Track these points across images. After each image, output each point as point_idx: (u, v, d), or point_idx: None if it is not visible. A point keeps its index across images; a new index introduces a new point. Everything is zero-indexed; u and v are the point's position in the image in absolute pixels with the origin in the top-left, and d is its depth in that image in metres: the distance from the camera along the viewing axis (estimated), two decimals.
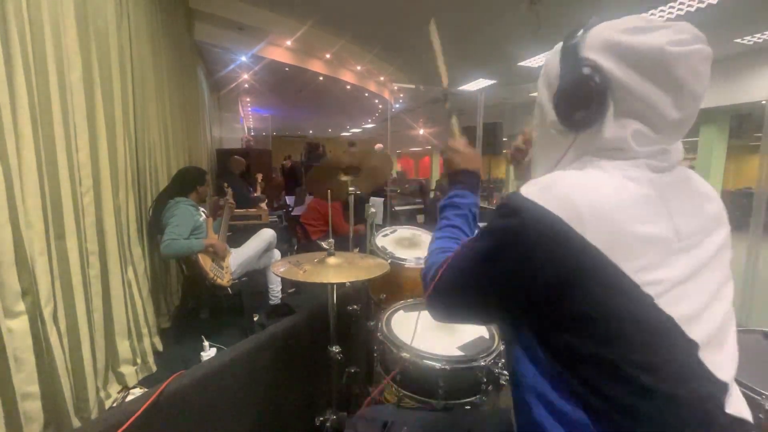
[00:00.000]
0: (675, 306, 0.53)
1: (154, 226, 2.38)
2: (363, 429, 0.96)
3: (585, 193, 0.54)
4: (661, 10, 4.31)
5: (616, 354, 0.51)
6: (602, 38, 0.58)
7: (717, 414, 0.53)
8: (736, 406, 0.55)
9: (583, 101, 0.59)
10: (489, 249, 0.59)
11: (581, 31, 0.61)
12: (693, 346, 0.53)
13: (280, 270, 1.28)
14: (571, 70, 0.61)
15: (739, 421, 0.55)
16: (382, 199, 4.47)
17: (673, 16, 4.39)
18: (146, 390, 1.39)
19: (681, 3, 4.17)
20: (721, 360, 0.56)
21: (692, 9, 4.26)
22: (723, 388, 0.54)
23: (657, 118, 0.57)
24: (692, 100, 0.57)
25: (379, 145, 7.43)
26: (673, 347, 0.52)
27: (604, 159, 0.60)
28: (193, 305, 2.81)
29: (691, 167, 0.68)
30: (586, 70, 0.58)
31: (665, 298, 0.53)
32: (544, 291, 0.53)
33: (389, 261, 1.56)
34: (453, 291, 0.66)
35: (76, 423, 1.45)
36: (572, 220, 0.52)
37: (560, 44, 0.65)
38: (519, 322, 0.60)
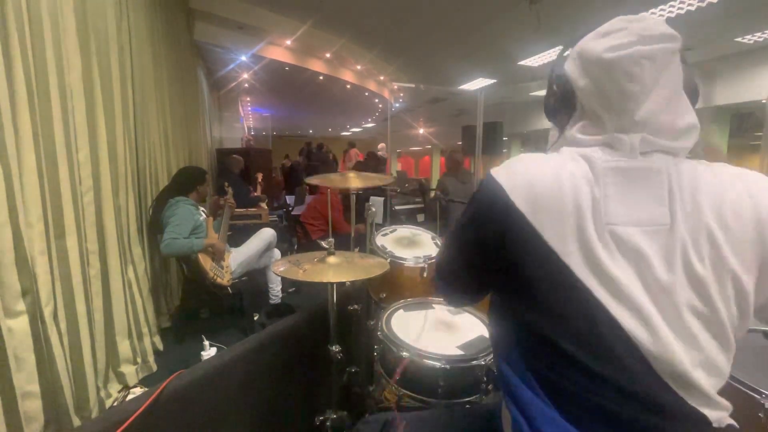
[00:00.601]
0: (594, 278, 0.57)
1: (154, 226, 2.38)
2: (364, 429, 0.96)
3: (525, 168, 0.63)
4: (662, 9, 4.31)
5: (543, 318, 0.59)
6: (579, 45, 0.66)
7: (661, 401, 0.55)
8: (697, 398, 0.56)
9: (558, 106, 0.71)
10: (463, 218, 0.70)
11: (584, 38, 0.67)
12: (615, 324, 0.56)
13: (280, 269, 1.28)
14: (557, 77, 0.71)
15: (691, 414, 0.56)
16: (383, 198, 4.47)
17: (673, 15, 4.39)
18: (146, 389, 1.39)
19: (681, 2, 4.16)
20: (675, 349, 0.55)
21: (692, 8, 4.25)
22: (668, 373, 0.55)
23: (608, 114, 0.63)
24: (631, 99, 0.61)
25: (381, 145, 7.43)
26: (593, 319, 0.57)
27: (566, 146, 0.68)
28: (194, 305, 2.81)
29: None
30: (556, 78, 0.70)
31: (583, 268, 0.57)
32: (493, 248, 0.63)
33: (389, 260, 1.56)
34: (446, 265, 0.77)
35: (76, 422, 1.46)
36: (508, 188, 0.61)
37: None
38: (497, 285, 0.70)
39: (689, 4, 4.20)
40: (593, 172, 0.61)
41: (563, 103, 0.69)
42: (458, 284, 0.77)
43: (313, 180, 1.66)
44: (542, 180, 0.61)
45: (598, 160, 0.61)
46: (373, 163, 5.73)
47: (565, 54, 0.71)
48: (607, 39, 0.62)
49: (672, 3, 4.18)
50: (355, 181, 1.59)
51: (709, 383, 0.57)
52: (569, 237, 0.58)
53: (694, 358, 0.56)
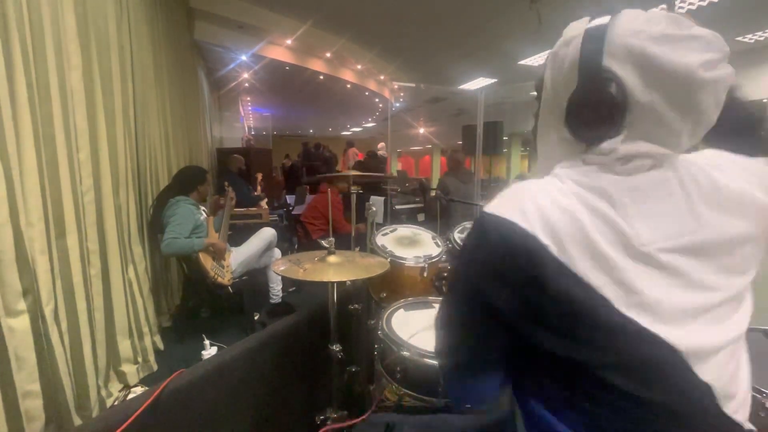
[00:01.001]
0: (635, 308, 0.51)
1: (154, 225, 2.39)
2: (367, 430, 0.96)
3: (531, 196, 0.55)
4: (662, 9, 4.30)
5: (587, 355, 0.51)
6: (627, 45, 0.52)
7: (713, 416, 0.52)
8: (739, 410, 0.54)
9: (599, 117, 0.55)
10: (466, 285, 0.59)
11: (605, 26, 0.54)
12: (665, 345, 0.51)
13: (281, 269, 1.28)
14: (589, 80, 0.55)
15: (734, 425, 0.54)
16: (383, 197, 4.47)
17: None
18: (147, 388, 1.40)
19: (682, 1, 4.16)
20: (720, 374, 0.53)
21: (693, 7, 4.25)
22: (710, 391, 0.52)
23: (668, 140, 0.54)
24: (706, 128, 0.54)
25: (381, 144, 7.43)
26: (641, 347, 0.51)
27: (588, 164, 0.58)
28: (194, 304, 2.81)
29: None
30: (608, 86, 0.53)
31: (621, 298, 0.51)
32: (523, 303, 0.53)
33: (389, 260, 1.56)
34: (458, 357, 0.63)
35: (77, 421, 1.46)
36: (523, 222, 0.52)
37: (579, 37, 0.56)
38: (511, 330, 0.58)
39: (690, 3, 4.20)
40: (608, 192, 0.54)
41: (604, 114, 0.54)
42: (480, 374, 0.62)
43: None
44: (555, 208, 0.53)
45: (610, 180, 0.55)
46: (373, 163, 5.73)
47: (593, 46, 0.55)
48: (685, 50, 0.50)
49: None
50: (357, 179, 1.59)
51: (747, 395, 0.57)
52: (599, 268, 0.51)
53: (739, 376, 0.56)
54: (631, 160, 0.55)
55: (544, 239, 0.51)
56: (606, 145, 0.56)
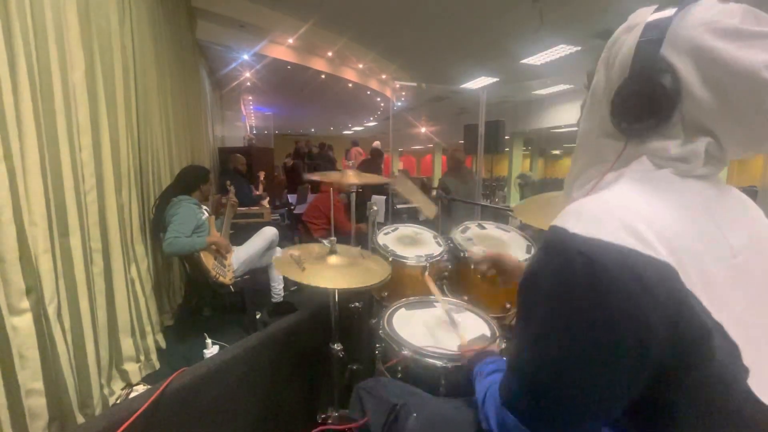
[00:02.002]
0: (743, 336, 0.45)
1: (157, 224, 2.39)
2: (370, 405, 0.94)
3: (652, 211, 0.46)
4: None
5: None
6: (691, 38, 0.48)
7: None
8: None
9: (646, 109, 0.50)
10: (580, 334, 0.46)
11: (673, 16, 0.50)
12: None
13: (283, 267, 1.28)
14: (643, 68, 0.51)
15: None
16: (384, 197, 4.47)
17: None
18: (149, 387, 1.40)
19: None
20: None
21: None
22: None
23: (725, 142, 0.51)
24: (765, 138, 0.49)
25: (376, 143, 7.44)
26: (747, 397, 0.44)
27: (659, 168, 0.52)
28: (196, 303, 2.83)
29: None
30: (661, 76, 0.49)
31: (734, 327, 0.44)
32: (658, 352, 0.43)
33: (391, 259, 1.57)
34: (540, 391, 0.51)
35: (80, 419, 1.47)
36: (649, 246, 0.43)
37: (641, 24, 0.52)
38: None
39: None
40: (709, 202, 0.50)
41: (653, 106, 0.50)
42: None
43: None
44: (679, 225, 0.46)
45: (700, 187, 0.51)
46: (379, 160, 5.69)
47: (651, 36, 0.50)
48: (754, 48, 0.45)
49: None
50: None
51: None
52: (719, 296, 0.45)
53: None
54: (706, 163, 0.51)
55: (674, 263, 0.43)
56: (661, 144, 0.51)
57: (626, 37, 0.54)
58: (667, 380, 0.44)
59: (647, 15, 0.52)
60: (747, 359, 0.45)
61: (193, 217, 2.34)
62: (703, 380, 0.44)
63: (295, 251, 1.35)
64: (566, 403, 0.49)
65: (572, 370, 0.47)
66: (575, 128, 0.64)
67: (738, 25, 0.46)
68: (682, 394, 0.44)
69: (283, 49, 6.02)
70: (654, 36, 0.50)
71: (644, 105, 0.50)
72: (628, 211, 0.46)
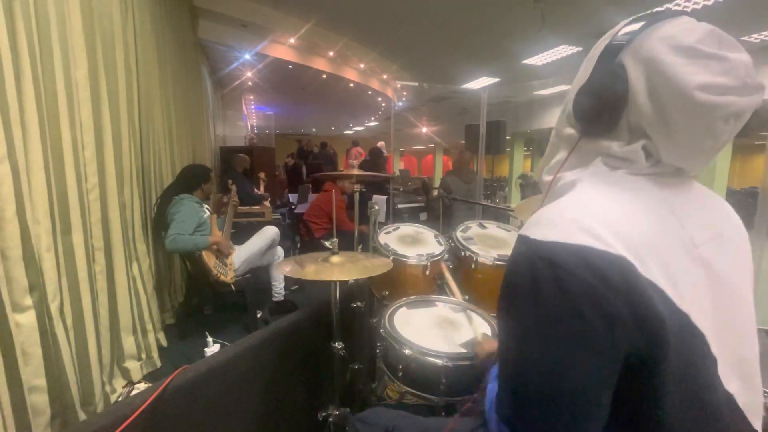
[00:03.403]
0: (707, 325, 0.48)
1: (158, 223, 2.40)
2: (363, 430, 0.96)
3: (588, 212, 0.49)
4: (667, 7, 4.28)
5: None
6: (650, 48, 0.51)
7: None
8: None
9: (598, 110, 0.54)
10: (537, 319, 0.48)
11: (641, 27, 0.53)
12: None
13: (286, 270, 1.28)
14: (602, 70, 0.55)
15: None
16: (385, 196, 4.47)
17: None
18: (150, 385, 1.41)
19: (687, 1, 4.14)
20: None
21: (698, 6, 4.22)
22: None
23: (667, 151, 0.53)
24: (702, 152, 0.51)
25: (381, 143, 7.44)
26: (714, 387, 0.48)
27: (614, 170, 0.55)
28: (197, 301, 2.83)
29: None
30: (613, 80, 0.53)
31: (699, 317, 0.47)
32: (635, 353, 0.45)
33: (392, 258, 1.57)
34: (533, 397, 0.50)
35: (82, 416, 1.47)
36: (599, 243, 0.46)
37: (614, 31, 0.56)
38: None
39: (695, 3, 4.18)
40: (670, 200, 0.53)
41: (604, 107, 0.54)
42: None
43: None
44: (634, 220, 0.49)
45: (659, 184, 0.54)
46: (380, 161, 5.70)
47: (617, 42, 0.54)
48: (698, 67, 0.47)
49: (677, 2, 4.16)
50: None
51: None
52: (684, 286, 0.48)
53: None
54: (653, 162, 0.54)
55: (629, 257, 0.45)
56: (607, 143, 0.55)
57: (601, 42, 0.57)
58: (642, 368, 0.45)
59: (631, 24, 0.55)
60: (714, 348, 0.48)
61: (195, 216, 2.35)
62: (675, 371, 0.45)
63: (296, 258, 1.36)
64: (553, 408, 0.48)
65: (550, 366, 0.47)
66: None
67: (693, 44, 0.48)
68: (659, 382, 0.45)
69: (284, 49, 6.03)
70: (621, 42, 0.53)
71: (597, 106, 0.54)
72: (582, 212, 0.49)
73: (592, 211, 0.49)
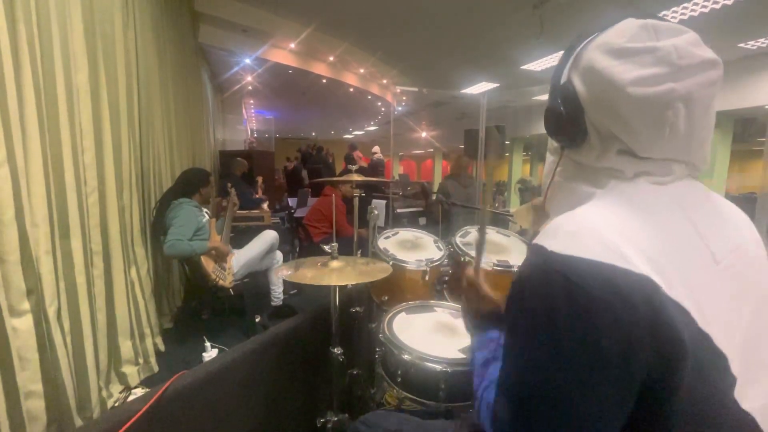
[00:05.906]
0: (731, 346, 0.46)
1: (157, 227, 2.39)
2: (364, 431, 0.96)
3: (624, 231, 0.46)
4: (664, 15, 4.31)
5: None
6: (588, 59, 0.53)
7: None
8: None
9: (559, 123, 0.56)
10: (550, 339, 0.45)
11: (585, 42, 0.55)
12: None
13: (286, 273, 1.28)
14: (554, 87, 0.57)
15: None
16: (385, 201, 4.48)
17: (676, 21, 4.38)
18: (148, 390, 1.39)
19: (684, 8, 4.17)
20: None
21: (695, 14, 4.25)
22: None
23: (637, 149, 0.52)
24: (673, 143, 0.50)
25: (376, 147, 7.45)
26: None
27: (630, 181, 0.53)
28: (196, 306, 2.82)
29: None
30: (562, 94, 0.55)
31: (722, 336, 0.45)
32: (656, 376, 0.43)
33: (391, 263, 1.57)
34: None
35: (78, 422, 1.46)
36: (622, 262, 0.43)
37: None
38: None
39: (692, 10, 4.21)
40: (690, 215, 0.50)
41: (567, 124, 0.55)
42: None
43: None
44: (655, 236, 0.47)
45: (678, 194, 0.52)
46: (381, 169, 5.72)
47: (563, 61, 0.58)
48: (629, 64, 0.48)
49: (675, 9, 4.19)
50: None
51: None
52: (705, 304, 0.45)
53: None
54: (649, 174, 0.53)
55: (654, 275, 0.43)
56: (586, 153, 0.55)
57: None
58: (656, 394, 0.43)
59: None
60: (735, 368, 0.46)
61: (194, 220, 2.35)
62: (692, 394, 0.43)
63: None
64: (558, 425, 0.45)
65: (560, 390, 0.44)
66: None
67: (623, 44, 0.49)
68: (672, 407, 0.43)
69: (284, 54, 6.05)
70: (567, 58, 0.57)
71: (558, 123, 0.56)
72: (604, 226, 0.47)
73: (613, 225, 0.47)
